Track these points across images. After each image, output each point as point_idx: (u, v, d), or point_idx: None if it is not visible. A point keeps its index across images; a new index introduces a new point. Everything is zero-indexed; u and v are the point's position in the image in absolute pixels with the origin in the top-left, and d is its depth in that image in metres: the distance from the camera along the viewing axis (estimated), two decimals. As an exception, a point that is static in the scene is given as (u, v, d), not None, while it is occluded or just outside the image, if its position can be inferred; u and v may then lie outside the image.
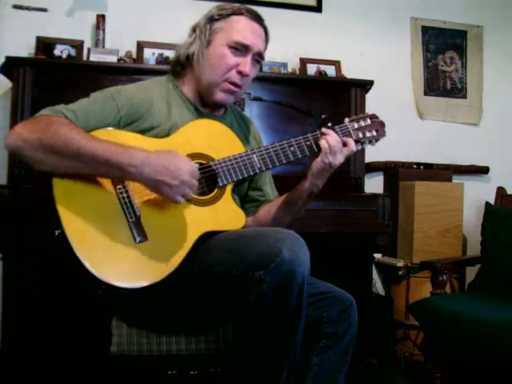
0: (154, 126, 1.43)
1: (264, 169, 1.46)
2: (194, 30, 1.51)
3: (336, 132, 1.48)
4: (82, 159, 1.26)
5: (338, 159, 1.46)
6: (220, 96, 1.50)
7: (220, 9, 1.49)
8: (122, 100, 1.40)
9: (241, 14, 1.47)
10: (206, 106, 1.54)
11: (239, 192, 1.59)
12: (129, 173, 1.27)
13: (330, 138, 1.45)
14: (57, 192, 1.30)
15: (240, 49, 1.46)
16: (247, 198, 1.64)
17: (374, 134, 1.55)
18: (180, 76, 1.54)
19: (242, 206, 1.61)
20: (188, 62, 1.50)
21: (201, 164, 1.42)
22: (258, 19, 1.50)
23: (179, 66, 1.53)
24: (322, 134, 1.47)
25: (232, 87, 1.49)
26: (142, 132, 1.41)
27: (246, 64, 1.47)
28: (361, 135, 1.53)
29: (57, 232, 1.30)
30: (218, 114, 1.57)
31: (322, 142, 1.45)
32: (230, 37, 1.46)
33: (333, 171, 1.49)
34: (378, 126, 1.55)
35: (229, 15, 1.47)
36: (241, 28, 1.46)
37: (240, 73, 1.47)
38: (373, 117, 1.56)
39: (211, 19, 1.48)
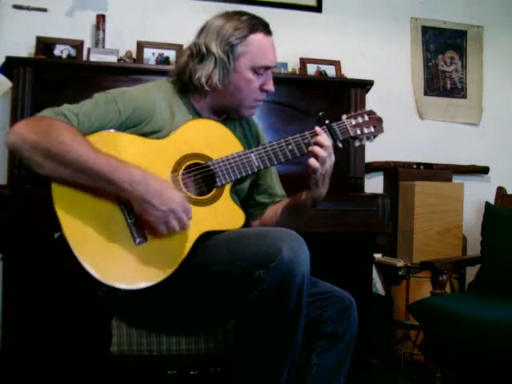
0: (156, 129, 1.42)
1: (262, 167, 1.45)
2: (207, 51, 1.44)
3: (333, 132, 1.47)
4: (80, 169, 1.26)
5: (330, 163, 1.44)
6: (249, 112, 1.54)
7: (235, 29, 1.44)
8: (124, 103, 1.39)
9: (256, 30, 1.45)
10: (215, 115, 1.54)
11: (240, 193, 1.59)
12: (123, 189, 1.27)
13: (320, 151, 1.41)
14: (55, 194, 1.29)
15: (263, 70, 1.48)
16: (252, 202, 1.64)
17: (372, 130, 1.54)
18: (190, 90, 1.51)
19: (248, 210, 1.61)
20: (207, 86, 1.46)
21: (199, 164, 1.42)
22: (269, 30, 1.49)
23: (193, 86, 1.48)
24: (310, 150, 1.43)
25: (259, 103, 1.53)
26: (144, 135, 1.41)
27: (270, 83, 1.50)
28: (359, 132, 1.52)
29: (56, 235, 1.29)
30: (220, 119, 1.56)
31: (312, 161, 1.41)
32: (254, 61, 1.45)
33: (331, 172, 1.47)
34: (376, 122, 1.55)
35: (246, 36, 1.44)
36: (261, 49, 1.46)
37: (266, 91, 1.50)
38: (370, 113, 1.55)
39: (230, 45, 1.43)
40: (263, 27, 1.47)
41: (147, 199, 1.26)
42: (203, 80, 1.45)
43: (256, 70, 1.46)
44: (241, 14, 1.48)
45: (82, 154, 1.25)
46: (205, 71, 1.45)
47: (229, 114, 1.55)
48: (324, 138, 1.43)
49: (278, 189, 1.66)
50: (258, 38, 1.46)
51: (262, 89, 1.50)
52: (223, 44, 1.44)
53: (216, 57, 1.44)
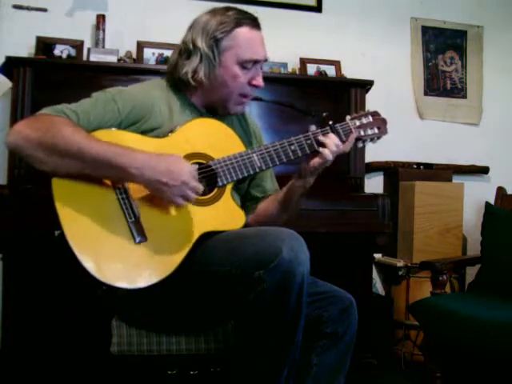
0: (155, 127, 1.43)
1: (264, 168, 1.45)
2: (193, 46, 1.45)
3: (337, 133, 1.48)
4: (85, 160, 1.26)
5: (333, 158, 1.46)
6: (236, 109, 1.52)
7: (220, 24, 1.43)
8: (122, 102, 1.40)
9: (242, 24, 1.44)
10: (212, 112, 1.54)
11: (240, 191, 1.59)
12: (131, 174, 1.27)
13: (331, 144, 1.44)
14: (56, 193, 1.29)
15: (251, 64, 1.47)
16: (248, 196, 1.64)
17: (376, 131, 1.53)
18: (183, 86, 1.51)
19: (244, 205, 1.61)
20: (193, 81, 1.46)
21: (200, 163, 1.42)
22: (257, 24, 1.48)
23: (183, 82, 1.49)
24: (319, 141, 1.45)
25: (247, 99, 1.52)
26: (144, 133, 1.41)
27: (259, 78, 1.49)
28: (362, 133, 1.52)
29: (56, 233, 1.29)
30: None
31: (325, 151, 1.43)
32: (240, 55, 1.44)
33: None
34: (380, 124, 1.54)
35: (231, 30, 1.43)
36: (247, 43, 1.45)
37: (255, 86, 1.49)
38: (374, 114, 1.55)
39: (215, 39, 1.43)
40: (250, 21, 1.46)
41: (158, 180, 1.27)
42: (189, 75, 1.45)
43: (243, 65, 1.45)
44: (227, 9, 1.48)
45: (85, 145, 1.26)
46: (191, 66, 1.45)
47: (218, 111, 1.54)
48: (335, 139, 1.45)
49: (270, 183, 1.66)
50: (243, 31, 1.45)
51: (250, 84, 1.49)
52: (208, 39, 1.44)
53: (201, 52, 1.44)
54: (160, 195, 1.31)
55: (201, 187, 1.33)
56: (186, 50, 1.47)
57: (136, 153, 1.29)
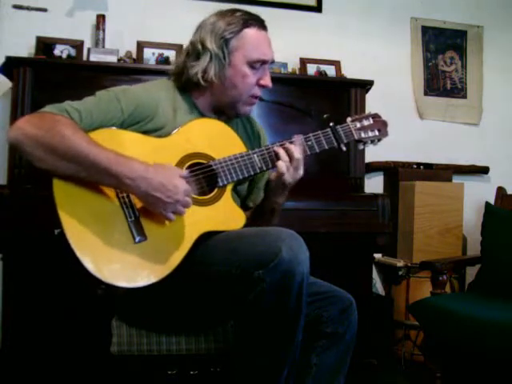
0: (159, 127, 1.43)
1: (265, 168, 1.45)
2: (202, 47, 1.45)
3: (338, 135, 1.48)
4: (82, 164, 1.26)
5: (295, 176, 1.46)
6: (245, 110, 1.53)
7: (229, 24, 1.45)
8: (126, 101, 1.39)
9: (250, 25, 1.46)
10: (218, 114, 1.54)
11: (240, 193, 1.59)
12: (125, 184, 1.27)
13: (291, 153, 1.43)
14: (56, 191, 1.29)
15: (259, 65, 1.47)
16: (247, 205, 1.65)
17: (377, 133, 1.55)
18: (191, 88, 1.51)
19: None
20: (203, 81, 1.46)
21: (201, 163, 1.42)
22: (264, 25, 1.50)
23: (192, 83, 1.49)
24: (276, 153, 1.44)
25: (255, 100, 1.52)
26: (146, 133, 1.41)
27: (267, 78, 1.50)
28: (363, 135, 1.53)
29: (56, 231, 1.29)
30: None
31: (280, 164, 1.43)
32: (248, 55, 1.45)
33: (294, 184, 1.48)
34: (381, 126, 1.55)
35: (240, 30, 1.45)
36: (256, 43, 1.46)
37: (263, 86, 1.50)
38: (375, 116, 1.56)
39: (224, 39, 1.44)
40: (257, 22, 1.48)
41: (152, 194, 1.27)
42: (199, 75, 1.46)
43: (252, 65, 1.46)
44: (234, 10, 1.49)
45: (84, 149, 1.25)
46: (200, 66, 1.45)
47: (226, 112, 1.54)
48: (297, 151, 1.43)
49: (263, 194, 1.64)
50: (251, 32, 1.46)
51: (258, 84, 1.49)
52: (217, 39, 1.44)
53: (211, 52, 1.44)
54: (152, 208, 1.31)
55: (191, 203, 1.32)
56: (194, 51, 1.47)
57: (133, 162, 1.28)
